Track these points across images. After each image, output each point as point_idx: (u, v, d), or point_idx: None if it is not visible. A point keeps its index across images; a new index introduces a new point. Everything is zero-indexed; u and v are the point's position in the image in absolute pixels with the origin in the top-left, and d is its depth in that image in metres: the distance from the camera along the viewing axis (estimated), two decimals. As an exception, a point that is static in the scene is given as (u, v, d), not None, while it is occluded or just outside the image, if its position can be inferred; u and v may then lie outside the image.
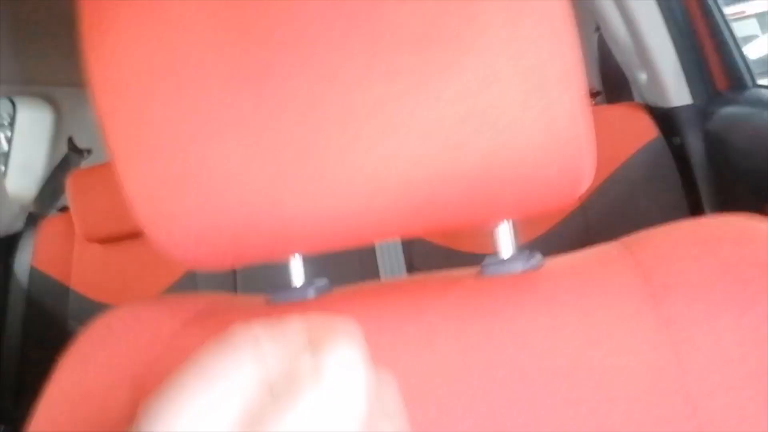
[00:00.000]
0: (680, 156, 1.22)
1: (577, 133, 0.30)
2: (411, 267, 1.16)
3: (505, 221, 0.39)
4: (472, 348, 0.34)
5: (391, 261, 1.16)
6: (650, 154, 1.23)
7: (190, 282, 1.37)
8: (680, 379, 0.31)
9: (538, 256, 0.39)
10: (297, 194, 0.32)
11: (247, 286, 1.32)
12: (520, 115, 0.30)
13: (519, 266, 0.37)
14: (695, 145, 1.20)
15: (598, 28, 1.54)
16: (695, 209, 1.19)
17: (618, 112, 1.32)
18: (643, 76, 1.30)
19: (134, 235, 1.38)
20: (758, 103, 1.06)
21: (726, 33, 1.13)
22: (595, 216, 1.18)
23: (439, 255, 1.18)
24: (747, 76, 1.12)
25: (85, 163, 1.81)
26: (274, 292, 0.41)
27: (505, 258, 0.38)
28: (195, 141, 0.32)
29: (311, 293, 0.40)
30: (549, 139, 0.30)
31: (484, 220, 0.35)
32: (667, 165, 1.22)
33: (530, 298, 0.35)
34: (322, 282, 0.42)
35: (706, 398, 0.30)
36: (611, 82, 1.57)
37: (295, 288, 0.41)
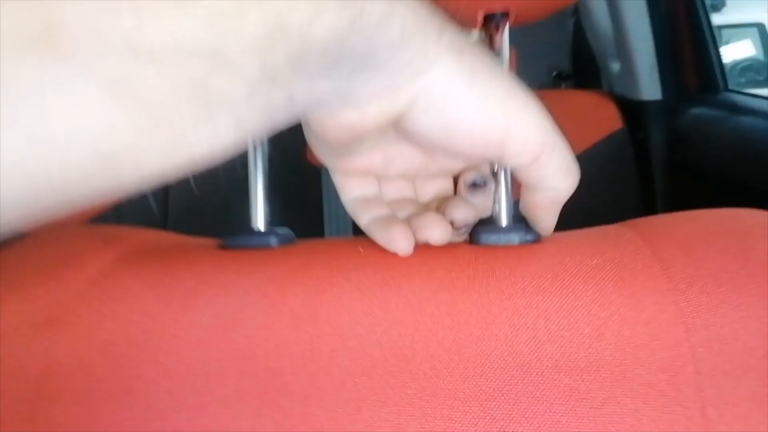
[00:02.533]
0: (642, 150, 1.21)
1: None
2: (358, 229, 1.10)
3: (503, 186, 0.33)
4: (464, 323, 0.29)
5: (338, 219, 1.10)
6: (613, 145, 1.21)
7: (114, 218, 1.26)
8: (695, 383, 0.26)
9: (534, 231, 0.34)
10: None
11: (179, 229, 1.22)
12: None
13: (516, 238, 0.32)
14: (658, 142, 1.19)
15: (574, 13, 1.51)
16: (649, 205, 1.19)
17: (586, 98, 1.29)
18: (616, 66, 1.28)
19: None
20: (729, 107, 1.05)
21: (707, 35, 1.11)
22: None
23: None
24: (720, 80, 1.12)
25: None
26: (230, 236, 0.35)
27: (504, 226, 0.33)
28: None
29: (274, 241, 0.34)
30: None
31: None
32: (628, 157, 1.21)
33: (533, 274, 0.30)
34: (284, 231, 0.36)
35: (721, 407, 0.26)
36: (582, 69, 1.55)
37: (257, 233, 0.35)
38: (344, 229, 1.13)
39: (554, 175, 0.29)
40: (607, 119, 1.24)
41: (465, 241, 0.33)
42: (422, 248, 0.32)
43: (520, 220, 0.33)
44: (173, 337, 0.29)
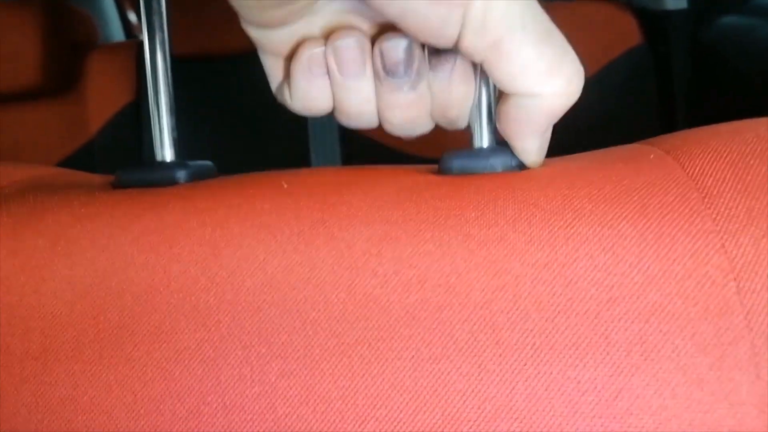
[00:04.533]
0: (664, 68, 1.08)
1: None
2: (347, 160, 1.01)
3: (485, 96, 0.26)
4: (422, 283, 0.21)
5: (325, 154, 1.01)
6: (631, 62, 1.08)
7: (86, 156, 1.18)
8: (752, 359, 0.19)
9: None
10: None
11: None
12: None
13: (498, 163, 0.25)
14: (681, 56, 1.06)
15: None
16: (670, 128, 1.07)
17: (601, 10, 1.15)
18: (635, -29, 1.14)
19: (23, 95, 1.16)
20: (766, 14, 0.92)
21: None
22: (566, 120, 1.05)
23: (382, 156, 1.03)
24: (756, -19, 0.98)
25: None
26: (125, 170, 0.28)
27: (483, 147, 0.26)
28: None
29: (181, 175, 0.27)
30: None
31: None
32: (648, 76, 1.08)
33: (524, 204, 0.22)
34: (200, 163, 0.28)
35: None
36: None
37: (158, 165, 0.28)
38: (332, 160, 1.03)
39: (528, 71, 0.22)
40: (624, 33, 1.11)
41: (432, 171, 0.26)
42: (367, 179, 0.25)
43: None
44: (26, 314, 0.22)
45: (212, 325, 0.21)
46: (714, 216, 0.20)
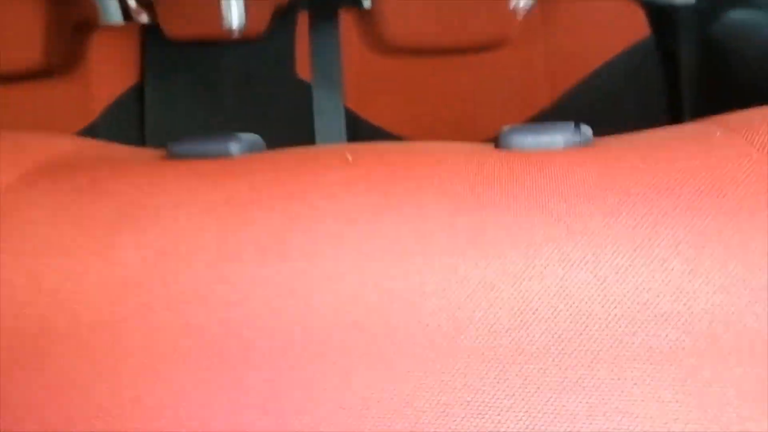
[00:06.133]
0: (670, 62, 1.08)
1: None
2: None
3: None
4: (487, 258, 0.21)
5: (329, 140, 1.00)
6: (638, 56, 1.08)
7: (89, 137, 1.16)
8: None
9: (587, 130, 0.26)
10: None
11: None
12: None
13: (560, 139, 0.25)
14: (689, 52, 1.06)
15: None
16: (676, 121, 1.07)
17: (609, 4, 1.15)
18: (643, -36, 1.13)
19: (24, 75, 1.14)
20: (775, 9, 0.93)
21: None
22: (572, 113, 1.05)
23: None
24: (766, -23, 0.98)
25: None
26: (178, 143, 0.28)
27: (542, 124, 0.26)
28: None
29: (234, 148, 0.27)
30: None
31: None
32: (655, 70, 1.08)
33: (588, 186, 0.22)
34: (249, 136, 0.28)
35: None
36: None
37: (212, 138, 0.27)
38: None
39: None
40: (632, 26, 1.11)
41: (490, 145, 0.25)
42: (432, 158, 0.24)
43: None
44: (95, 282, 0.22)
45: (287, 293, 0.21)
46: None
